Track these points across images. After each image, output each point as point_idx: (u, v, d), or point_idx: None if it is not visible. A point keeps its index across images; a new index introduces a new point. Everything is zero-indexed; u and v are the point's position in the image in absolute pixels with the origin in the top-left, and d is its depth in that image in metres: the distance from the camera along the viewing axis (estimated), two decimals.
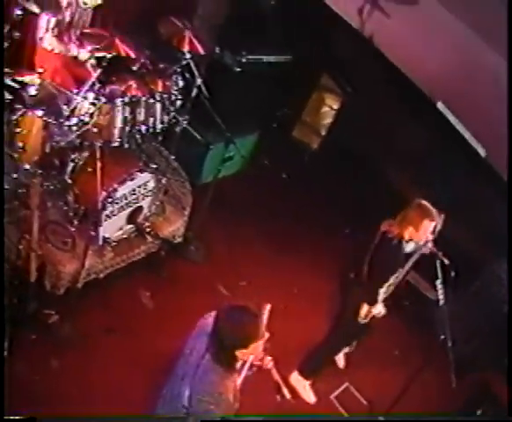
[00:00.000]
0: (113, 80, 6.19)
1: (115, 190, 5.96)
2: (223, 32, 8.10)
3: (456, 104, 7.19)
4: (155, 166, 6.73)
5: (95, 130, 5.96)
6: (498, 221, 7.09)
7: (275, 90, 8.56)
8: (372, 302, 5.87)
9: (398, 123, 8.31)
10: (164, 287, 6.64)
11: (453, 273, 5.51)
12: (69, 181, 6.07)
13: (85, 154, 6.06)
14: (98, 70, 5.92)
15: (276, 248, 7.73)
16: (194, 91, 6.95)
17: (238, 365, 4.04)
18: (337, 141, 9.13)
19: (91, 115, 5.93)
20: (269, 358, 4.27)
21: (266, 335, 3.90)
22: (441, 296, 5.46)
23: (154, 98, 6.52)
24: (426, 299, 7.48)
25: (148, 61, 6.57)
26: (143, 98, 6.41)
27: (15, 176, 5.82)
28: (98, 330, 5.92)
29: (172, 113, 6.89)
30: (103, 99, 6.00)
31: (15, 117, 5.61)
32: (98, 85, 5.98)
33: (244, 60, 7.84)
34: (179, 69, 6.79)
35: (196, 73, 6.88)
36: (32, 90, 5.69)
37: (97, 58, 6.16)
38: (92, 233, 5.67)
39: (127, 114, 6.29)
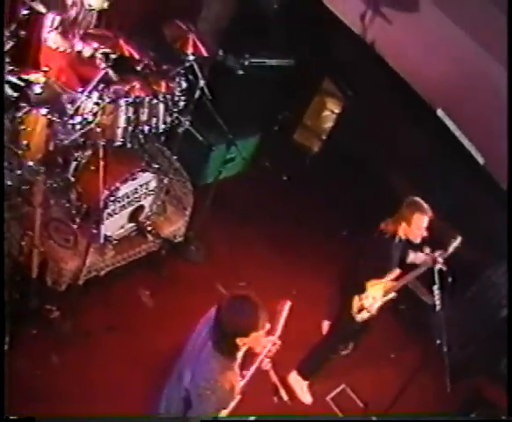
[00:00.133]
0: (117, 80, 6.22)
1: (117, 189, 6.00)
2: (226, 35, 8.14)
3: (456, 111, 7.23)
4: (157, 166, 6.75)
5: (98, 129, 5.99)
6: (495, 228, 7.15)
7: (277, 94, 8.60)
8: (360, 292, 5.91)
9: (399, 128, 8.32)
10: (164, 287, 6.68)
11: (450, 279, 5.59)
12: (72, 179, 6.11)
13: (88, 153, 6.10)
14: (103, 71, 5.96)
15: (276, 249, 7.78)
16: (197, 93, 6.96)
17: (239, 356, 4.08)
18: (338, 144, 9.16)
19: (95, 114, 5.97)
20: (267, 359, 4.33)
21: (267, 326, 3.94)
22: (437, 302, 5.50)
23: (157, 99, 6.56)
24: (422, 303, 7.51)
25: (152, 62, 6.60)
26: (147, 99, 6.45)
27: (19, 172, 5.89)
28: (99, 327, 5.94)
29: (175, 114, 6.93)
30: (107, 99, 6.04)
31: (20, 114, 5.67)
32: (102, 85, 6.02)
33: (246, 63, 7.88)
34: (182, 71, 6.82)
35: (199, 75, 6.89)
36: (37, 89, 5.77)
37: (102, 54, 6.20)
38: (94, 231, 5.72)
39: (130, 114, 6.33)
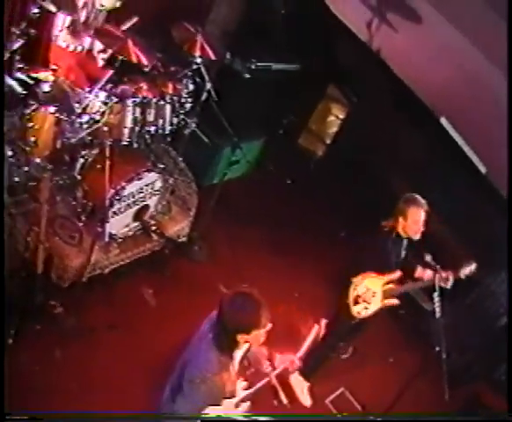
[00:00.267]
0: (125, 80, 6.28)
1: (123, 188, 6.05)
2: (234, 38, 8.20)
3: (458, 120, 7.27)
4: (162, 166, 6.81)
5: (105, 129, 6.03)
6: (495, 237, 7.18)
7: (283, 98, 8.65)
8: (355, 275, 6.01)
9: (402, 134, 8.39)
10: (167, 286, 6.72)
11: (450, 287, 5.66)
12: (79, 177, 6.15)
13: (95, 151, 6.15)
14: (111, 70, 5.99)
15: (279, 252, 7.82)
16: (204, 95, 7.03)
17: (237, 355, 4.13)
18: (342, 149, 9.21)
19: (103, 114, 6.02)
20: (268, 362, 4.37)
21: (269, 325, 3.98)
22: (437, 309, 5.52)
23: (164, 100, 6.63)
24: (422, 309, 7.57)
25: (159, 63, 6.64)
26: (154, 100, 6.51)
27: (26, 169, 5.94)
28: (102, 324, 5.97)
29: (182, 116, 7.00)
30: (114, 99, 6.09)
31: (28, 111, 5.72)
32: (110, 85, 6.07)
33: (253, 67, 7.93)
34: (189, 73, 6.88)
35: (206, 77, 6.95)
36: (46, 87, 5.82)
37: (110, 58, 6.25)
38: (99, 229, 5.78)
39: (137, 115, 6.39)
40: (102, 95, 6.00)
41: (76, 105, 5.84)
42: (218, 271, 7.18)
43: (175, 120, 6.94)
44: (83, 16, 6.32)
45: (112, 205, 5.95)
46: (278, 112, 8.97)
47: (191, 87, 6.98)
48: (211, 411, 4.16)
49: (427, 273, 5.98)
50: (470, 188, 7.62)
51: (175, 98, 6.77)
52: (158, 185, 6.52)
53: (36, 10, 5.73)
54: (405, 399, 5.75)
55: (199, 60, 6.79)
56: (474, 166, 7.28)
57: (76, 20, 6.25)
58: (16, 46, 5.70)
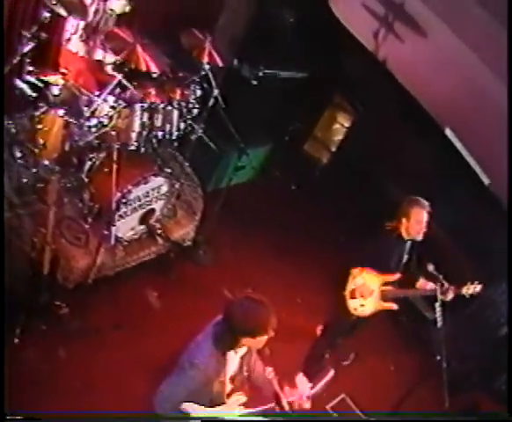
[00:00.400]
0: (134, 85, 6.31)
1: (129, 191, 6.09)
2: (242, 45, 8.25)
3: (462, 131, 7.31)
4: (169, 171, 6.85)
5: (113, 133, 6.08)
6: (496, 247, 7.22)
7: (289, 105, 8.72)
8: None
9: (407, 144, 8.43)
10: (171, 289, 6.75)
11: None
12: (86, 180, 6.20)
13: (103, 155, 6.20)
14: (120, 75, 6.05)
15: (283, 257, 7.86)
16: (211, 101, 7.09)
17: (231, 358, 4.16)
18: (346, 157, 9.26)
19: (111, 118, 6.09)
20: (270, 369, 4.42)
21: (272, 333, 4.04)
22: (439, 318, 5.56)
23: (172, 106, 6.70)
24: (423, 317, 7.60)
25: (168, 69, 6.68)
26: (161, 105, 6.57)
27: (34, 170, 6.04)
28: (107, 325, 5.99)
29: (189, 121, 7.06)
30: (123, 103, 6.15)
31: (38, 114, 5.80)
32: (118, 89, 6.13)
33: (261, 74, 8.00)
34: (197, 79, 6.94)
35: (214, 84, 7.01)
36: (56, 90, 5.89)
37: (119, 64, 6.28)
38: (105, 232, 5.77)
39: (145, 119, 6.45)
40: (111, 99, 6.06)
41: (85, 108, 5.92)
42: (222, 275, 7.21)
43: (182, 126, 7.00)
44: (94, 21, 6.40)
45: (118, 208, 5.98)
46: (284, 119, 9.02)
47: (198, 93, 7.03)
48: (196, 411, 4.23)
49: (429, 285, 6.04)
50: (473, 199, 7.67)
51: (183, 103, 6.83)
52: (164, 189, 6.57)
53: (47, 15, 5.78)
54: (406, 407, 5.81)
55: (207, 66, 6.85)
56: (478, 177, 7.31)
57: (87, 25, 6.34)
58: (27, 49, 5.78)
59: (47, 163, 5.99)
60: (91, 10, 6.24)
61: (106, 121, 6.06)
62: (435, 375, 5.58)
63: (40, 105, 5.82)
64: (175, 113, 6.79)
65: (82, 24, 6.29)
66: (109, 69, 6.35)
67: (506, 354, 6.72)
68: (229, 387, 4.34)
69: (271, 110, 8.46)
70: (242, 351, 4.26)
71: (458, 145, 7.33)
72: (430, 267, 5.84)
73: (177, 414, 4.24)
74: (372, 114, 8.79)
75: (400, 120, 8.42)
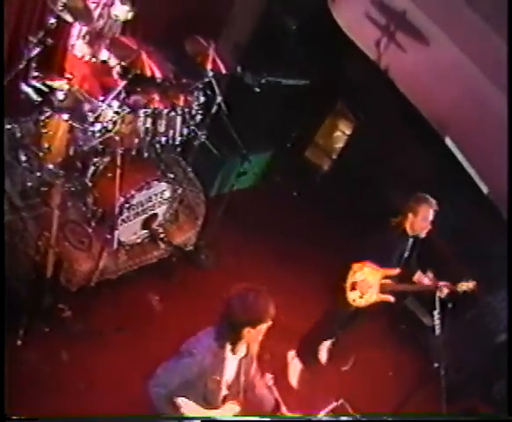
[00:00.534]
0: (138, 91, 6.37)
1: (132, 196, 6.13)
2: (245, 52, 8.31)
3: (462, 141, 7.35)
4: (172, 176, 6.90)
5: (117, 138, 6.11)
6: (496, 254, 7.26)
7: (291, 112, 8.77)
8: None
9: (407, 152, 8.48)
10: (173, 293, 6.79)
11: (450, 305, 5.75)
12: (90, 184, 6.24)
13: (107, 159, 6.24)
14: (124, 81, 6.09)
15: (284, 263, 7.89)
16: (214, 108, 7.09)
17: (228, 354, 4.18)
18: (347, 164, 9.31)
19: (115, 123, 6.13)
20: (270, 376, 4.45)
21: (270, 322, 4.07)
22: (437, 326, 5.61)
23: (175, 112, 6.72)
24: (422, 324, 7.64)
25: (172, 75, 6.70)
26: (165, 111, 6.60)
27: (39, 174, 6.09)
28: (109, 328, 6.01)
29: (192, 127, 7.08)
30: (127, 109, 6.19)
31: (43, 118, 5.86)
32: (123, 95, 6.17)
33: (263, 81, 8.05)
34: (201, 86, 6.96)
35: (217, 90, 7.01)
36: (61, 95, 5.95)
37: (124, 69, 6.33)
38: (108, 236, 5.83)
39: (148, 125, 6.49)
40: (115, 105, 6.09)
41: (90, 113, 5.95)
42: (224, 279, 7.16)
43: (185, 132, 7.03)
44: (99, 26, 6.43)
45: (121, 212, 6.01)
46: (286, 126, 9.07)
47: (202, 99, 7.04)
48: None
49: (427, 280, 6.12)
50: (473, 205, 7.72)
51: (186, 109, 6.85)
52: (167, 194, 6.61)
53: (53, 20, 5.80)
54: (404, 412, 5.84)
55: (210, 73, 6.86)
56: (477, 185, 7.36)
57: (92, 30, 6.37)
58: (33, 54, 5.83)
59: (51, 166, 6.03)
60: (95, 14, 6.27)
61: (110, 126, 6.09)
62: (434, 382, 5.59)
63: (45, 109, 5.87)
64: (178, 119, 6.82)
65: (85, 28, 6.30)
66: (114, 73, 6.40)
67: (505, 361, 6.75)
68: (224, 392, 4.35)
69: (273, 117, 8.53)
70: (241, 352, 4.28)
71: (458, 154, 7.38)
72: (430, 275, 5.91)
73: (177, 415, 4.24)
74: (373, 122, 8.83)
75: (401, 128, 8.48)
